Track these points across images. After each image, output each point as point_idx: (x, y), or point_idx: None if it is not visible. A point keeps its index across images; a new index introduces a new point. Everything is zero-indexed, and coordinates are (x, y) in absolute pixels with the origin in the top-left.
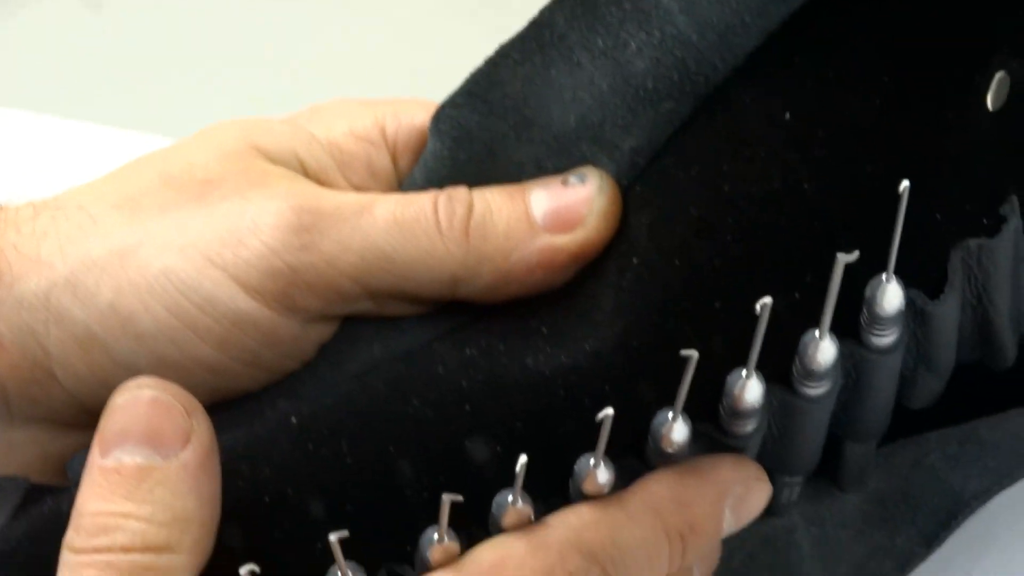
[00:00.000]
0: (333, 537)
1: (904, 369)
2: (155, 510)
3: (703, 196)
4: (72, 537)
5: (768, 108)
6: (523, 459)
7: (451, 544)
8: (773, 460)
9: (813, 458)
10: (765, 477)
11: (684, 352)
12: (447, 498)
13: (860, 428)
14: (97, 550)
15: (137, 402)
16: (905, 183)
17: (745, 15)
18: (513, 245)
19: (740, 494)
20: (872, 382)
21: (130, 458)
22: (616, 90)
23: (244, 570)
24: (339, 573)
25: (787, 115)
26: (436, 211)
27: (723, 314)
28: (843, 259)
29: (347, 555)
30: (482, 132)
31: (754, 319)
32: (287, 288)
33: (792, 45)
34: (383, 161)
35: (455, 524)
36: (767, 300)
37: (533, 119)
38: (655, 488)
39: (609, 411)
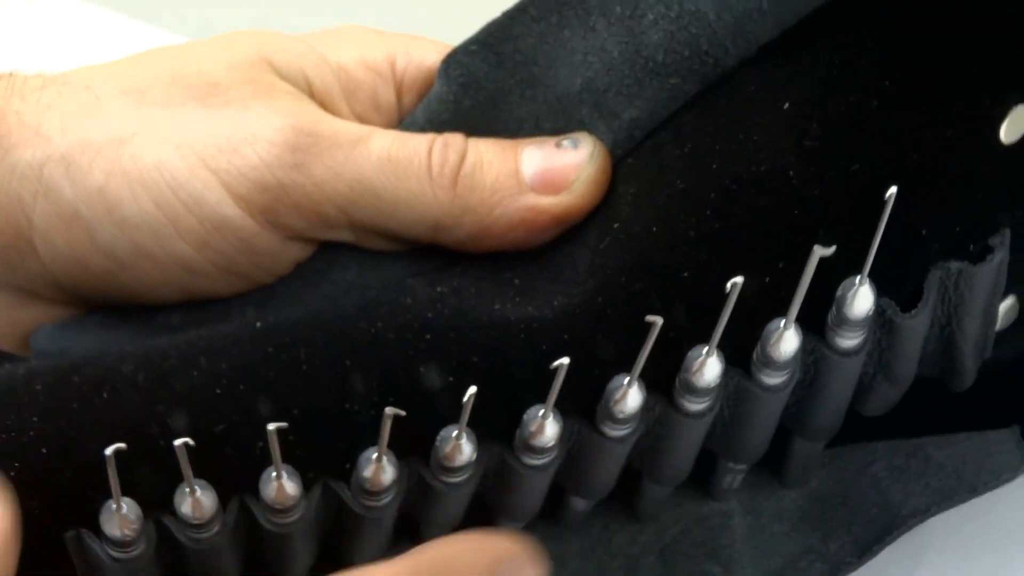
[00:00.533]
0: (271, 427)
1: (863, 374)
2: None
3: (691, 171)
4: None
5: (769, 96)
6: (472, 390)
7: (388, 466)
8: (720, 444)
9: (760, 448)
10: (537, 562)
11: (649, 317)
12: (390, 411)
13: (811, 426)
14: None
15: None
16: (892, 189)
17: (764, 2)
18: (498, 200)
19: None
20: (829, 382)
21: None
22: (626, 59)
23: (178, 443)
24: (274, 472)
25: (786, 105)
26: (430, 155)
27: (691, 285)
28: (819, 252)
29: (286, 460)
30: (488, 83)
31: (722, 297)
32: (273, 203)
33: (802, 39)
34: (388, 94)
35: (398, 452)
36: (738, 279)
37: (539, 77)
38: (427, 552)
39: (565, 360)
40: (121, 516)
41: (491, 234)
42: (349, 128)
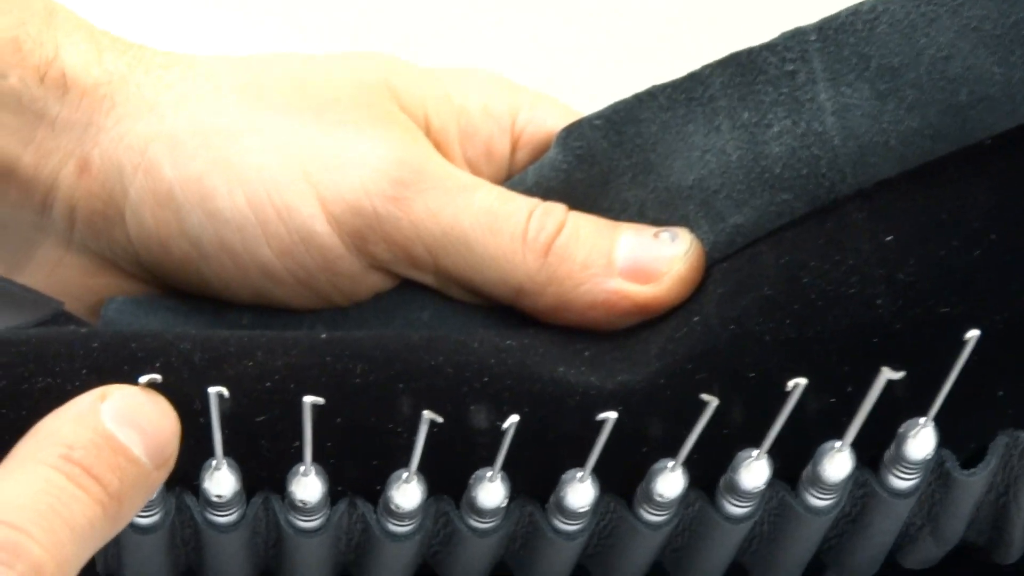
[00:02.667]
0: (307, 400)
1: (909, 523)
2: (118, 489)
3: (780, 280)
4: (39, 446)
5: (874, 226)
6: (514, 418)
7: (416, 487)
8: (753, 560)
9: (793, 573)
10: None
11: (704, 396)
12: (428, 415)
13: (848, 564)
14: (57, 468)
15: (163, 415)
16: (974, 332)
17: (892, 139)
18: (586, 277)
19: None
20: (875, 520)
21: (134, 448)
22: (743, 165)
23: (213, 390)
24: (302, 466)
25: (888, 237)
26: (529, 218)
27: (754, 387)
28: (887, 374)
29: (318, 462)
30: (604, 160)
31: (781, 406)
32: (364, 229)
33: (919, 178)
34: (503, 146)
35: (431, 488)
36: (801, 381)
37: (655, 164)
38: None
39: (612, 415)
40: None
41: (571, 309)
42: (457, 174)
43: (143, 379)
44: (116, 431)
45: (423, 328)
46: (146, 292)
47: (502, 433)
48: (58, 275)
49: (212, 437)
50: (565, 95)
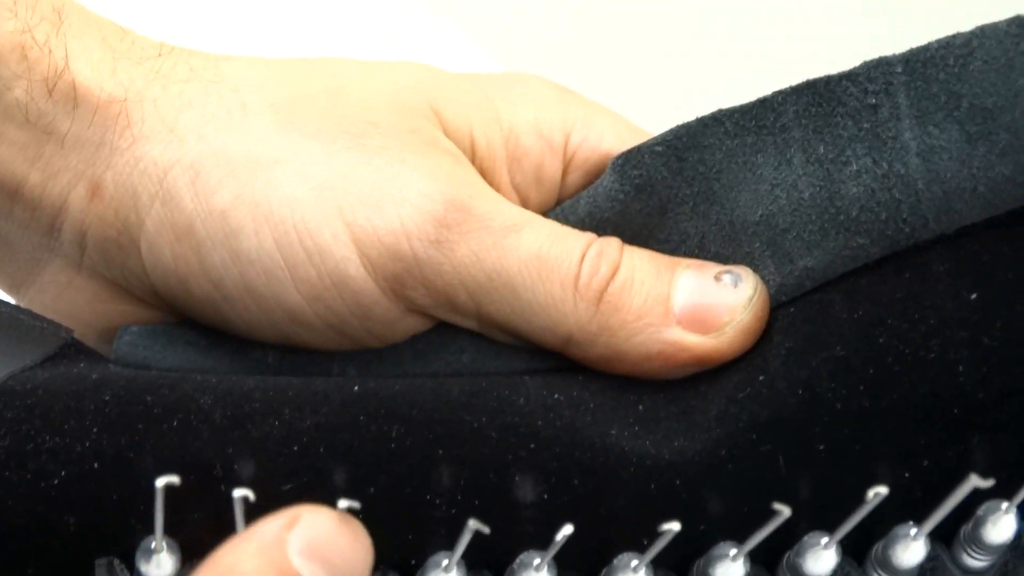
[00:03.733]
0: (343, 503)
1: None
2: None
3: (855, 339)
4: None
5: (957, 281)
6: (568, 529)
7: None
8: None
9: None
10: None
11: (776, 506)
12: (473, 525)
13: None
14: None
15: (357, 547)
16: None
17: (980, 185)
18: (641, 327)
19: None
20: None
21: None
22: (816, 204)
23: (237, 493)
24: None
25: (973, 295)
26: (582, 262)
27: (824, 461)
28: (975, 481)
29: None
30: (663, 188)
31: (853, 480)
32: (403, 274)
33: (1005, 231)
34: (554, 169)
35: (469, 561)
36: (882, 491)
37: (718, 195)
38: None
39: (675, 526)
40: (159, 556)
41: (624, 360)
42: (504, 211)
43: (159, 482)
44: (303, 569)
45: (463, 370)
46: (162, 320)
47: (550, 515)
48: (67, 298)
49: (236, 526)
50: (614, 97)
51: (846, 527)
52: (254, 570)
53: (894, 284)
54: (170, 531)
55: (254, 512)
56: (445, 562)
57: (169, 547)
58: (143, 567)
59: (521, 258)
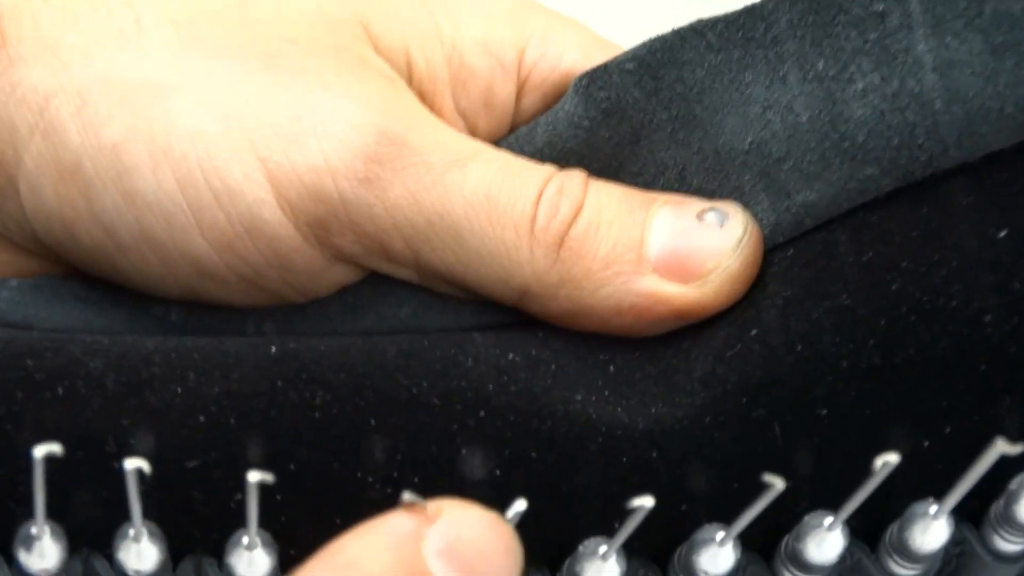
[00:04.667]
0: (253, 477)
1: None
2: None
3: (863, 286)
4: None
5: (983, 216)
6: (520, 505)
7: None
8: None
9: None
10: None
11: (767, 478)
12: (408, 497)
13: None
14: None
15: (506, 553)
16: None
17: (1008, 105)
18: (609, 277)
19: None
20: None
21: None
22: (816, 128)
23: (130, 464)
24: (246, 538)
25: (1002, 232)
26: (539, 201)
27: (827, 429)
28: (1001, 447)
29: (267, 527)
30: (636, 112)
31: (862, 452)
32: (328, 217)
33: None
34: (506, 91)
35: None
36: (892, 459)
37: (700, 119)
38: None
39: (647, 502)
40: (41, 543)
41: (591, 315)
42: (447, 143)
43: (38, 452)
44: (439, 573)
45: (401, 329)
46: (47, 273)
47: (502, 495)
48: None
49: (129, 506)
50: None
51: (852, 504)
52: (382, 568)
53: (909, 221)
54: (56, 515)
55: (154, 493)
56: None
57: (53, 533)
58: (23, 557)
59: (467, 198)
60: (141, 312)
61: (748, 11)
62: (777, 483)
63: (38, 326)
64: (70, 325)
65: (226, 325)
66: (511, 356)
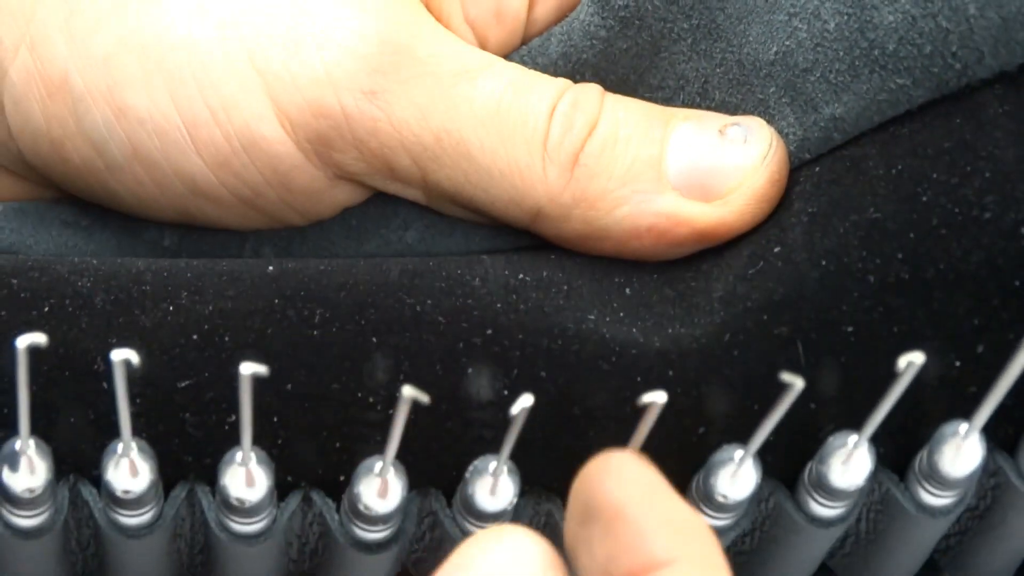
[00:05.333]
0: (245, 369)
1: None
2: None
3: (892, 198)
4: None
5: (1020, 126)
6: (526, 400)
7: (394, 482)
8: (849, 563)
9: None
10: None
11: (785, 376)
12: (409, 393)
13: (971, 569)
14: None
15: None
16: None
17: None
18: (626, 195)
19: None
20: (1008, 517)
21: None
22: (844, 36)
23: (117, 355)
24: (239, 453)
25: None
26: (552, 116)
27: (853, 346)
28: None
29: (264, 447)
30: (656, 21)
31: (888, 370)
32: (330, 132)
33: None
34: (517, 2)
35: (415, 481)
36: (917, 358)
37: (723, 29)
38: None
39: (660, 397)
40: (27, 456)
41: (607, 237)
42: (454, 52)
43: (21, 341)
44: None
45: (407, 254)
46: (35, 197)
47: (510, 417)
48: None
49: (119, 420)
50: None
51: (877, 416)
52: None
53: (941, 132)
54: (41, 438)
55: (143, 414)
56: (379, 465)
57: (38, 448)
58: (6, 476)
59: (476, 112)
60: (133, 237)
61: None
62: (796, 382)
63: (23, 253)
64: (58, 252)
65: (222, 249)
66: (521, 276)
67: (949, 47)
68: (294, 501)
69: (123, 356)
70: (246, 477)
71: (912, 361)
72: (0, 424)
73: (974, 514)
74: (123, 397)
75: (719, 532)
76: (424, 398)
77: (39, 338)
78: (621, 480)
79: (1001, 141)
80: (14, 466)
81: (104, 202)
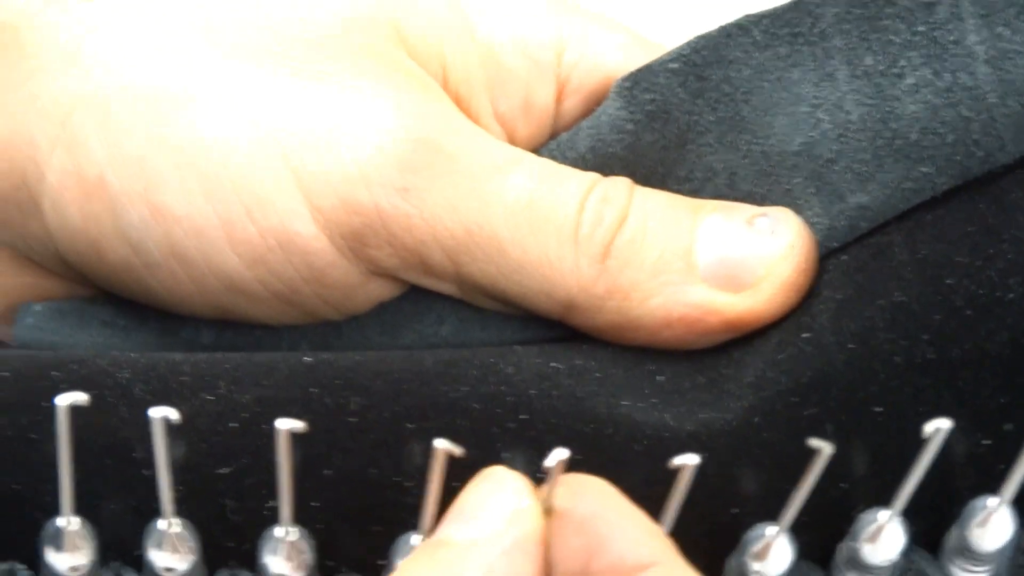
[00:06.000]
0: (282, 424)
1: None
2: None
3: (917, 282)
4: None
5: None
6: (562, 453)
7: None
8: None
9: None
10: None
11: (813, 442)
12: (441, 445)
13: None
14: None
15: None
16: None
17: None
18: (658, 287)
19: None
20: None
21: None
22: (867, 127)
23: (156, 412)
24: (279, 531)
25: None
26: (583, 209)
27: (881, 426)
28: None
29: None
30: (682, 115)
31: (918, 449)
32: (363, 229)
33: None
34: (545, 94)
35: None
36: (944, 424)
37: (748, 121)
38: None
39: (693, 458)
40: (69, 534)
41: (639, 327)
42: (486, 149)
43: (61, 400)
44: None
45: (442, 347)
46: (73, 295)
47: (545, 476)
48: None
49: (159, 488)
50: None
51: (908, 487)
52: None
53: (965, 217)
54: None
55: (187, 504)
56: (416, 538)
57: (83, 527)
58: (51, 557)
59: (507, 206)
60: (170, 335)
61: (794, 5)
62: (825, 447)
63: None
64: (95, 353)
65: (259, 345)
66: (553, 364)
67: (971, 135)
68: None
69: (162, 413)
70: (289, 548)
71: (939, 427)
72: (44, 510)
73: None
74: (162, 456)
75: None
76: (457, 450)
77: (80, 396)
78: (599, 492)
79: (1019, 221)
80: (59, 545)
81: (141, 299)
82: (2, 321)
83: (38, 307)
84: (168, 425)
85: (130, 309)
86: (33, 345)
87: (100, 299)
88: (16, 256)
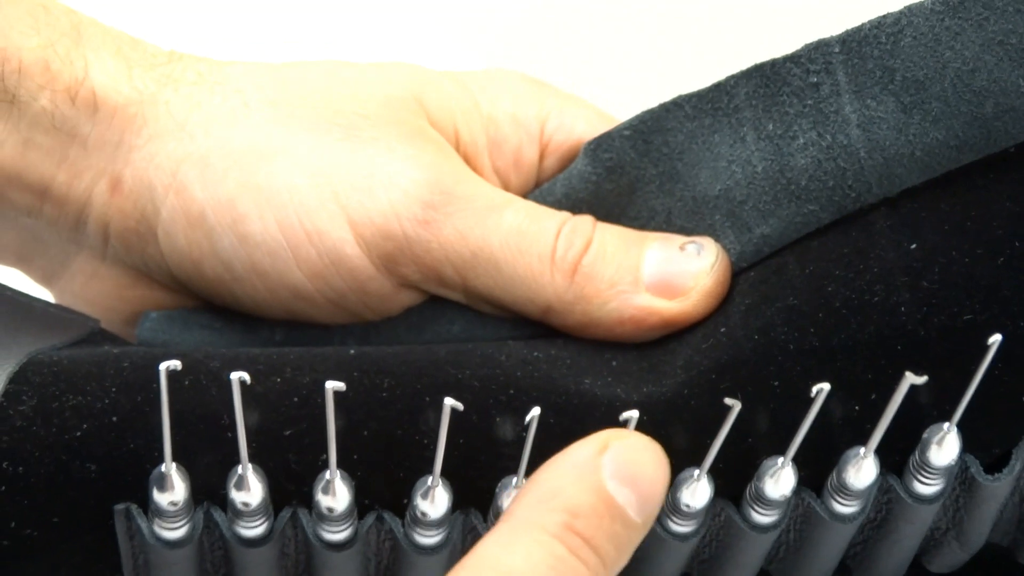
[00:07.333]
0: (329, 385)
1: (934, 528)
2: (614, 558)
3: (805, 289)
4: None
5: (898, 235)
6: (535, 410)
7: (441, 492)
8: (780, 569)
9: None
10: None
11: (728, 400)
12: (449, 402)
13: (874, 570)
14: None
15: (659, 467)
16: (996, 337)
17: (918, 150)
18: (613, 295)
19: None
20: (900, 526)
21: (630, 510)
22: (768, 176)
23: (235, 375)
24: (327, 474)
25: (913, 245)
26: (558, 237)
27: (779, 395)
28: (910, 379)
29: (346, 469)
30: (632, 169)
31: (805, 412)
32: (395, 252)
33: (942, 188)
34: (531, 154)
35: (458, 499)
36: (824, 386)
37: (681, 174)
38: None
39: (634, 413)
40: (170, 477)
41: (599, 325)
42: (486, 192)
43: (163, 366)
44: (616, 493)
45: (454, 341)
46: (181, 305)
47: (526, 431)
48: (93, 287)
49: (237, 438)
50: (590, 90)
51: (798, 438)
52: (574, 497)
53: (842, 241)
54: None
55: (260, 458)
56: (430, 479)
57: (178, 471)
58: (155, 494)
59: (502, 235)
60: (252, 334)
61: (715, 87)
62: (735, 404)
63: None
64: (197, 347)
65: (318, 340)
66: (535, 353)
67: (846, 181)
68: (371, 518)
69: (239, 375)
70: (335, 489)
71: (822, 388)
72: (153, 463)
73: (873, 524)
74: (239, 412)
75: (687, 536)
76: (459, 406)
77: (175, 364)
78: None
79: (885, 246)
80: (162, 486)
81: (231, 306)
82: (128, 325)
83: (154, 314)
84: (243, 388)
85: (222, 315)
86: (150, 343)
87: (200, 308)
88: (139, 275)
